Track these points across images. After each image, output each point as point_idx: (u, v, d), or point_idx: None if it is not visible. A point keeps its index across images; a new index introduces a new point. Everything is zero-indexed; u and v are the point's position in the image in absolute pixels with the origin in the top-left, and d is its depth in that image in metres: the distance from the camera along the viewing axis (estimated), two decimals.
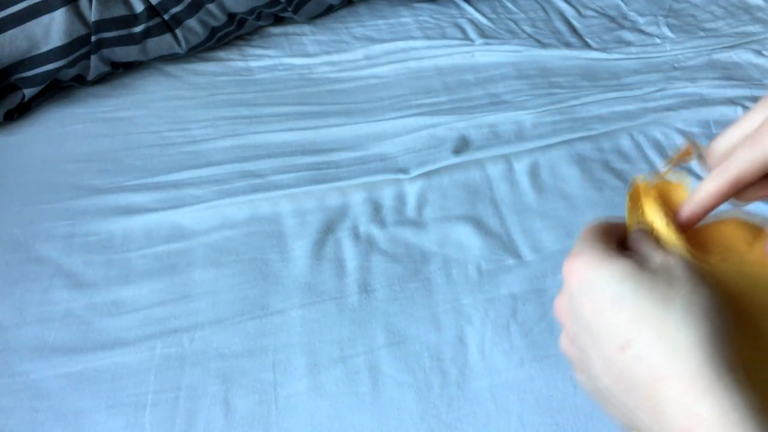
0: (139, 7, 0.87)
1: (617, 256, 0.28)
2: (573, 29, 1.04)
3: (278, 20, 1.04)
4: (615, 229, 0.31)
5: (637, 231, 0.31)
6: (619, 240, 0.31)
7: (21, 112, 0.86)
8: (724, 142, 0.32)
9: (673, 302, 0.25)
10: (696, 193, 0.31)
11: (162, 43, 0.91)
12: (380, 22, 1.04)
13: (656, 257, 0.28)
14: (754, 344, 0.26)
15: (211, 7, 0.92)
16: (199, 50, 0.96)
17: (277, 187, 0.75)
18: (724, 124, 0.82)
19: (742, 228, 0.32)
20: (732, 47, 0.99)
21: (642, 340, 0.25)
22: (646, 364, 0.25)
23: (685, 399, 0.23)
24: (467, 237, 0.69)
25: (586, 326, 0.28)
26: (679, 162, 0.34)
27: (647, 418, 0.25)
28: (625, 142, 0.82)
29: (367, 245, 0.69)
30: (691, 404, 0.23)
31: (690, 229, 0.31)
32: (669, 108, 0.87)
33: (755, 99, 0.88)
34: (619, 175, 0.78)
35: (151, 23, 0.88)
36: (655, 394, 0.24)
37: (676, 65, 0.96)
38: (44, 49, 0.82)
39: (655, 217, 0.31)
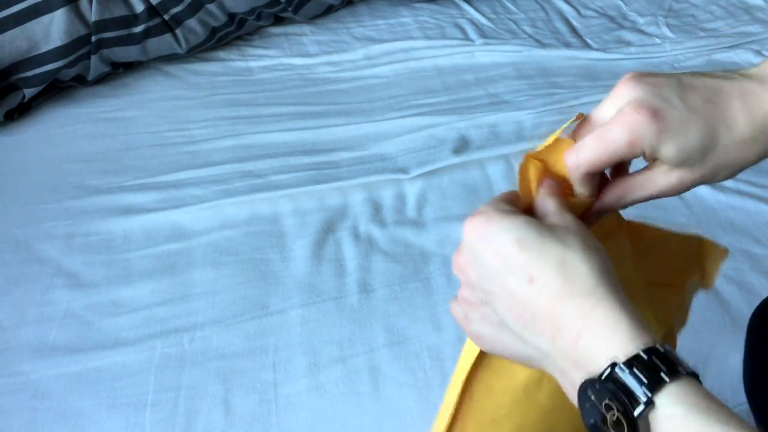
0: (139, 7, 0.87)
1: (517, 212, 0.32)
2: (573, 29, 1.04)
3: (278, 20, 1.04)
4: (514, 198, 0.35)
5: (538, 198, 0.34)
6: (521, 208, 0.34)
7: (21, 112, 0.86)
8: (600, 113, 0.35)
9: (569, 244, 0.30)
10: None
11: (162, 43, 0.91)
12: (380, 22, 1.04)
13: (553, 216, 0.33)
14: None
15: (211, 7, 0.92)
16: (199, 50, 0.96)
17: (277, 187, 0.75)
18: None
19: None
20: (732, 47, 0.99)
21: (546, 273, 0.29)
22: (549, 292, 0.29)
23: (580, 310, 0.28)
24: None
25: (492, 270, 0.31)
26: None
27: (546, 342, 0.29)
28: None
29: (367, 245, 0.69)
30: (586, 313, 0.28)
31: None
32: None
33: None
34: None
35: (151, 23, 0.88)
36: (555, 314, 0.28)
37: (676, 65, 0.96)
38: (44, 49, 0.82)
39: (533, 186, 0.35)
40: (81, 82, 0.89)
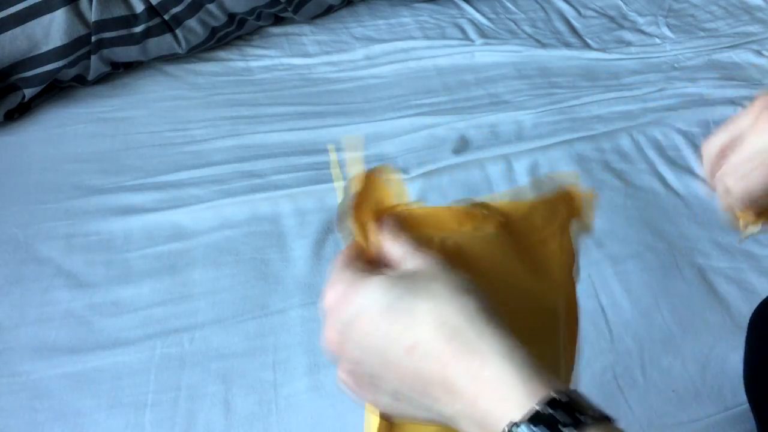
0: (139, 7, 0.87)
1: (370, 275, 0.30)
2: (573, 29, 1.04)
3: (278, 20, 1.04)
4: (356, 252, 0.32)
5: (384, 242, 0.32)
6: (368, 259, 0.32)
7: (21, 112, 0.86)
8: (713, 146, 0.36)
9: (437, 294, 0.28)
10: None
11: (162, 43, 0.91)
12: (380, 22, 1.04)
13: (408, 260, 0.30)
14: (497, 286, 0.31)
15: (211, 7, 0.92)
16: (199, 50, 0.96)
17: (277, 187, 0.75)
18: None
19: (449, 212, 0.36)
20: (732, 47, 0.99)
21: (424, 338, 0.27)
22: (433, 356, 0.27)
23: (469, 372, 0.26)
24: None
25: (368, 346, 0.29)
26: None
27: (447, 406, 0.27)
28: (625, 142, 0.82)
29: None
30: (476, 375, 0.26)
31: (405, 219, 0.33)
32: (669, 108, 0.87)
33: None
34: (619, 175, 0.78)
35: (151, 23, 0.88)
36: (447, 379, 0.27)
37: (676, 65, 0.96)
38: (44, 49, 0.82)
39: (363, 227, 0.32)
40: (81, 82, 0.89)
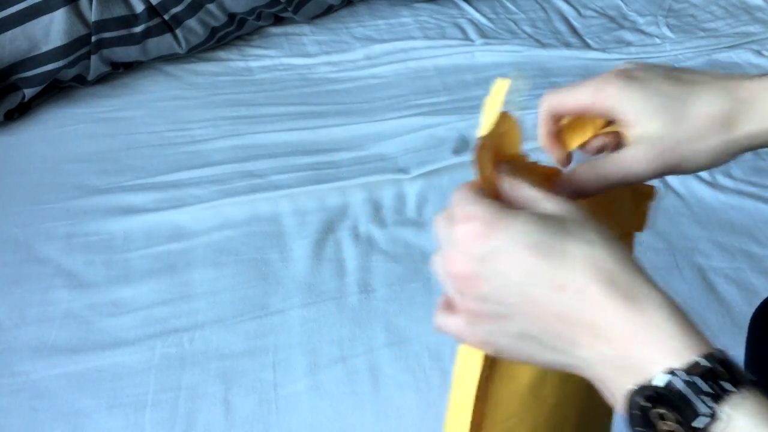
0: (139, 7, 0.87)
1: (512, 211, 0.29)
2: (573, 29, 1.04)
3: (278, 20, 1.04)
4: (479, 189, 0.31)
5: (507, 183, 0.32)
6: (490, 196, 0.31)
7: (21, 112, 0.86)
8: (552, 108, 0.39)
9: (589, 239, 0.28)
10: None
11: (162, 43, 0.91)
12: (380, 22, 1.04)
13: (544, 203, 0.30)
14: None
15: (211, 7, 0.92)
16: (199, 50, 0.96)
17: (277, 187, 0.75)
18: None
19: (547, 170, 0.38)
20: (732, 47, 0.99)
21: (576, 278, 0.27)
22: (585, 298, 0.27)
23: (625, 315, 0.26)
24: None
25: (507, 282, 0.28)
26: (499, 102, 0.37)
27: (587, 349, 0.27)
28: None
29: (367, 245, 0.69)
30: (633, 317, 0.26)
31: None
32: None
33: None
34: None
35: (151, 23, 0.88)
36: (597, 321, 0.26)
37: (676, 65, 0.96)
38: (44, 49, 0.82)
39: (486, 167, 0.33)
40: (81, 82, 0.89)
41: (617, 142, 0.39)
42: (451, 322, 0.32)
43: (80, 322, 0.62)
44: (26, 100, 0.85)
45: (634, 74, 0.36)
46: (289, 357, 0.59)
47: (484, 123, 0.34)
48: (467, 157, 0.79)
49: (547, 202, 0.30)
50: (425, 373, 0.58)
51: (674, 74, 0.36)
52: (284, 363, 0.59)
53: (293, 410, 0.55)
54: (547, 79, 0.93)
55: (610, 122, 0.39)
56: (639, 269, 0.27)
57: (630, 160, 0.35)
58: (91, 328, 0.61)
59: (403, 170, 0.77)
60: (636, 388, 0.25)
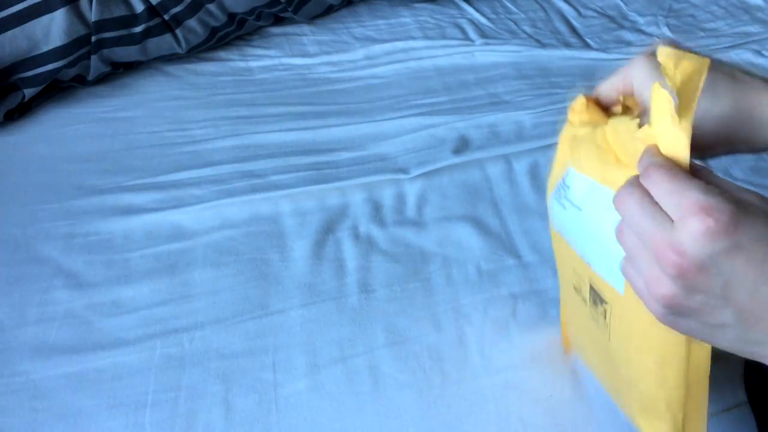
0: (139, 7, 0.87)
1: (750, 205, 0.29)
2: (573, 29, 1.04)
3: (278, 20, 1.04)
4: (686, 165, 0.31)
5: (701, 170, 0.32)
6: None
7: (21, 112, 0.86)
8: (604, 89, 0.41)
9: None
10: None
11: (162, 43, 0.91)
12: (380, 22, 1.04)
13: (746, 195, 0.30)
14: None
15: (211, 7, 0.92)
16: (199, 50, 0.96)
17: (277, 187, 0.75)
18: None
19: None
20: (732, 47, 0.99)
21: None
22: None
23: None
24: (467, 237, 0.69)
25: (742, 280, 0.29)
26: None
27: None
28: None
29: (367, 245, 0.69)
30: None
31: None
32: None
33: None
34: None
35: (151, 23, 0.88)
36: None
37: None
38: (44, 49, 0.82)
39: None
40: (81, 82, 0.89)
41: None
42: (656, 309, 0.32)
43: (80, 322, 0.62)
44: (26, 100, 0.85)
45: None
46: (289, 357, 0.59)
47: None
48: (467, 157, 0.79)
49: (748, 194, 0.31)
50: (425, 373, 0.58)
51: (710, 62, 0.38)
52: (284, 363, 0.59)
53: (293, 410, 0.55)
54: (547, 79, 0.93)
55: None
56: None
57: None
58: (91, 328, 0.61)
59: (403, 170, 0.77)
60: None
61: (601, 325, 0.46)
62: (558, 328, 0.61)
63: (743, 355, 0.31)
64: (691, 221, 0.28)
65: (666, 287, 0.30)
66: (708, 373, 0.43)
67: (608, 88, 0.43)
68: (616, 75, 0.42)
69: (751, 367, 0.53)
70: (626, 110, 0.43)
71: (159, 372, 0.58)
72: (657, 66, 0.36)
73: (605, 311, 0.45)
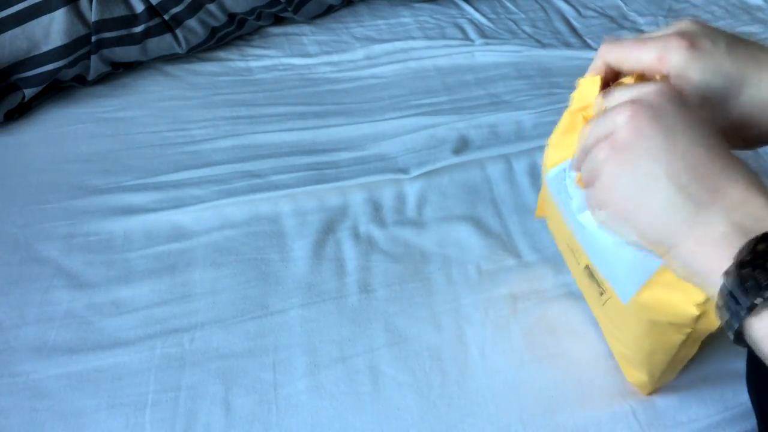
0: (139, 7, 0.87)
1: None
2: (573, 29, 1.04)
3: (278, 20, 1.04)
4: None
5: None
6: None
7: (21, 112, 0.86)
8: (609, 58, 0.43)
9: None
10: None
11: (162, 43, 0.91)
12: (380, 22, 1.04)
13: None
14: None
15: (211, 7, 0.92)
16: (199, 50, 0.96)
17: (277, 187, 0.75)
18: None
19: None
20: None
21: (739, 163, 0.32)
22: (741, 177, 0.32)
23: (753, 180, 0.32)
24: (467, 237, 0.69)
25: (675, 125, 0.33)
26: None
27: (706, 198, 0.31)
28: None
29: (367, 245, 0.69)
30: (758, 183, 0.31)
31: None
32: None
33: None
34: None
35: (151, 23, 0.88)
36: (746, 196, 0.31)
37: None
38: (44, 49, 0.82)
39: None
40: (81, 82, 0.89)
41: None
42: (597, 155, 0.36)
43: (80, 322, 0.62)
44: (26, 100, 0.85)
45: (699, 44, 0.37)
46: (289, 357, 0.59)
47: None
48: (467, 157, 0.79)
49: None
50: (425, 373, 0.58)
51: (737, 48, 0.38)
52: (284, 363, 0.59)
53: (293, 410, 0.55)
54: (547, 79, 0.93)
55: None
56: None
57: None
58: (91, 328, 0.61)
59: (403, 170, 0.77)
60: (758, 236, 0.29)
61: (595, 289, 0.49)
62: (558, 328, 0.61)
63: (662, 242, 0.33)
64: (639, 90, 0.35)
65: (612, 141, 0.35)
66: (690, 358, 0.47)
67: (634, 61, 0.42)
68: (646, 49, 0.40)
69: (754, 366, 0.53)
70: (640, 80, 0.43)
71: (159, 372, 0.58)
72: (694, 57, 0.37)
73: (602, 292, 0.48)
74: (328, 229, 0.70)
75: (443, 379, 0.57)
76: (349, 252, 0.68)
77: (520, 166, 0.78)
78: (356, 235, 0.70)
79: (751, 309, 0.28)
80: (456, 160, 0.78)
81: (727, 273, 0.29)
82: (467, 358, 0.59)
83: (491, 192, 0.75)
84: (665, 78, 0.39)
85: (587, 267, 0.50)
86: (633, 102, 0.35)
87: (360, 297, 0.64)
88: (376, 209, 0.73)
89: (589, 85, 0.46)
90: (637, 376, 0.53)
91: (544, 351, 0.59)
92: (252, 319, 0.62)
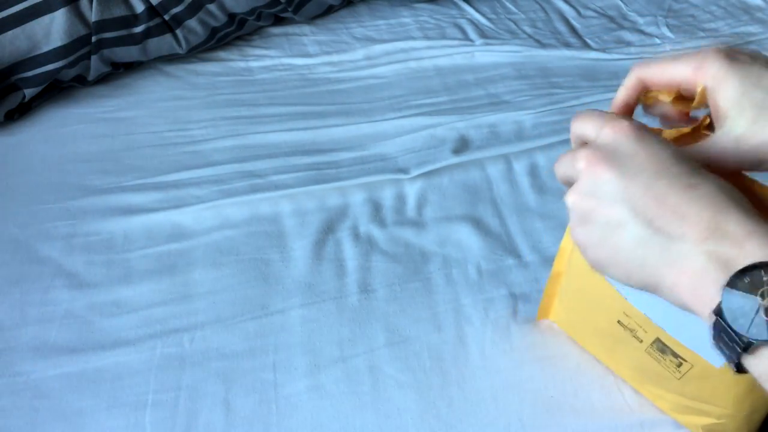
0: (139, 7, 0.87)
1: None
2: (573, 29, 1.04)
3: (278, 20, 1.04)
4: None
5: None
6: None
7: (21, 112, 0.86)
8: (643, 76, 0.42)
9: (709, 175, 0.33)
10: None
11: (162, 43, 0.91)
12: (380, 22, 1.04)
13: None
14: None
15: (212, 7, 0.92)
16: (199, 50, 0.96)
17: (277, 187, 0.75)
18: None
19: None
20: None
21: (708, 186, 0.31)
22: (710, 200, 0.31)
23: (747, 218, 0.30)
24: (467, 237, 0.69)
25: (641, 170, 0.33)
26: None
27: (689, 240, 0.31)
28: None
29: (367, 245, 0.69)
30: (755, 221, 0.30)
31: None
32: None
33: None
34: None
35: (151, 23, 0.88)
36: (718, 220, 0.30)
37: None
38: (45, 49, 0.82)
39: None
40: (81, 82, 0.89)
41: (685, 113, 0.42)
42: (569, 201, 0.36)
43: (80, 322, 0.62)
44: (27, 100, 0.85)
45: (737, 56, 0.37)
46: (289, 357, 0.59)
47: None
48: (467, 157, 0.79)
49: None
50: (425, 373, 0.58)
51: None
52: (284, 363, 0.59)
53: (293, 410, 0.56)
54: (547, 79, 0.93)
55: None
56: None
57: (716, 154, 0.37)
58: (91, 328, 0.61)
59: (403, 170, 0.77)
60: (746, 266, 0.28)
61: (668, 363, 0.49)
62: (557, 328, 0.61)
63: (647, 282, 0.33)
64: (604, 131, 0.35)
65: (574, 190, 0.35)
66: None
67: (670, 76, 0.40)
68: (683, 63, 0.39)
69: None
70: (678, 101, 0.42)
71: (159, 372, 0.58)
72: (732, 67, 0.37)
73: (679, 363, 0.48)
74: (328, 229, 0.70)
75: (443, 379, 0.57)
76: (349, 252, 0.68)
77: (520, 166, 0.78)
78: (356, 235, 0.70)
79: (746, 348, 0.28)
80: (456, 160, 0.78)
81: (714, 313, 0.29)
82: (467, 358, 0.59)
83: (491, 192, 0.75)
84: (703, 92, 0.38)
85: (657, 340, 0.48)
86: (588, 147, 0.35)
87: (360, 297, 0.64)
88: (376, 209, 0.73)
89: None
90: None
91: (544, 351, 0.59)
92: (252, 319, 0.62)
